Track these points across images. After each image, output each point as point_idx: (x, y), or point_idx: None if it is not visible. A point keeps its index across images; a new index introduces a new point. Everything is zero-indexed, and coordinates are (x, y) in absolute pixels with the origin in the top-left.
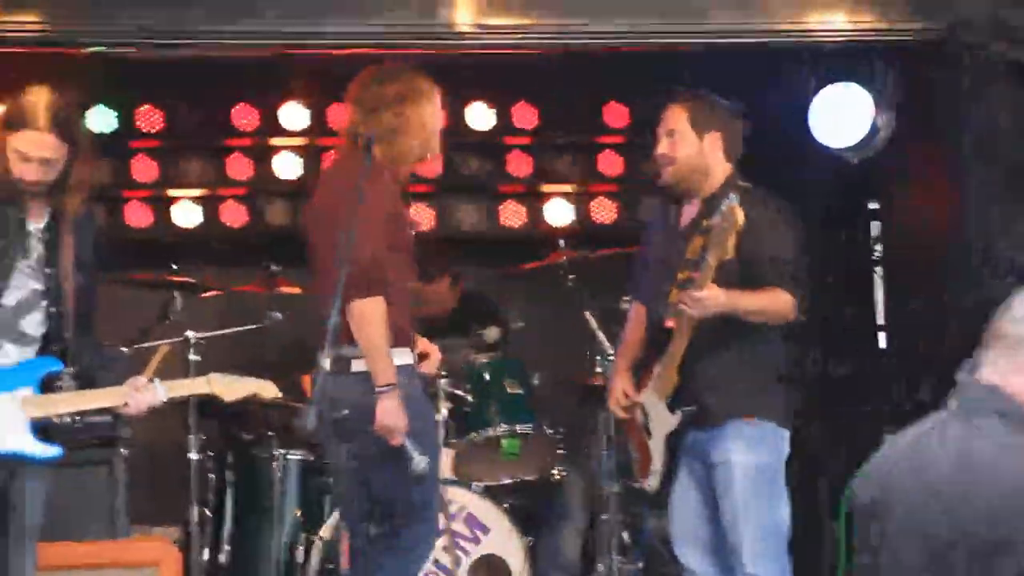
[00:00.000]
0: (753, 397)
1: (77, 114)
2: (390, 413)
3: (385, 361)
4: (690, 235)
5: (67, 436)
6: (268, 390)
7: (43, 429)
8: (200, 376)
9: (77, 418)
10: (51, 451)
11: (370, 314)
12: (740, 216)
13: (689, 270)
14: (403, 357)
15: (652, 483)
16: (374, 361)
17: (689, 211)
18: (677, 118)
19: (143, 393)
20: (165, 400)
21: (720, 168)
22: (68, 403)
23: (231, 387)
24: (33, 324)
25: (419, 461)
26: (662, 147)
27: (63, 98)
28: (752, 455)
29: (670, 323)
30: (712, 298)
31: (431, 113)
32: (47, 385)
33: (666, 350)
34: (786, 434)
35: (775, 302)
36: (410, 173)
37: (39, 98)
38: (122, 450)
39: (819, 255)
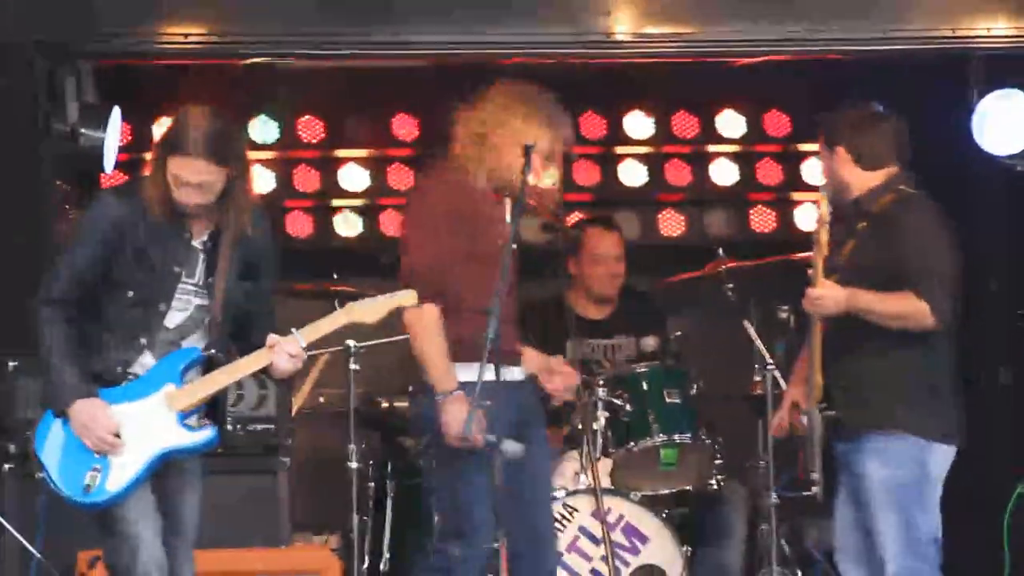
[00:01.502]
0: (892, 409)
1: (235, 136)
2: (450, 418)
3: (439, 369)
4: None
5: (229, 444)
6: (409, 298)
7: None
8: (337, 312)
9: (238, 426)
10: (205, 435)
11: (416, 323)
12: (823, 239)
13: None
14: (466, 373)
15: (817, 490)
16: (427, 371)
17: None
18: (820, 134)
19: (283, 346)
20: (305, 345)
21: (857, 179)
22: (211, 384)
23: (372, 309)
24: (197, 341)
25: (511, 448)
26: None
27: (220, 121)
28: (889, 470)
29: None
30: (828, 296)
31: (518, 130)
32: (194, 374)
33: (810, 352)
34: (937, 447)
35: (906, 306)
36: (513, 184)
37: (196, 122)
38: (284, 459)
39: (985, 263)
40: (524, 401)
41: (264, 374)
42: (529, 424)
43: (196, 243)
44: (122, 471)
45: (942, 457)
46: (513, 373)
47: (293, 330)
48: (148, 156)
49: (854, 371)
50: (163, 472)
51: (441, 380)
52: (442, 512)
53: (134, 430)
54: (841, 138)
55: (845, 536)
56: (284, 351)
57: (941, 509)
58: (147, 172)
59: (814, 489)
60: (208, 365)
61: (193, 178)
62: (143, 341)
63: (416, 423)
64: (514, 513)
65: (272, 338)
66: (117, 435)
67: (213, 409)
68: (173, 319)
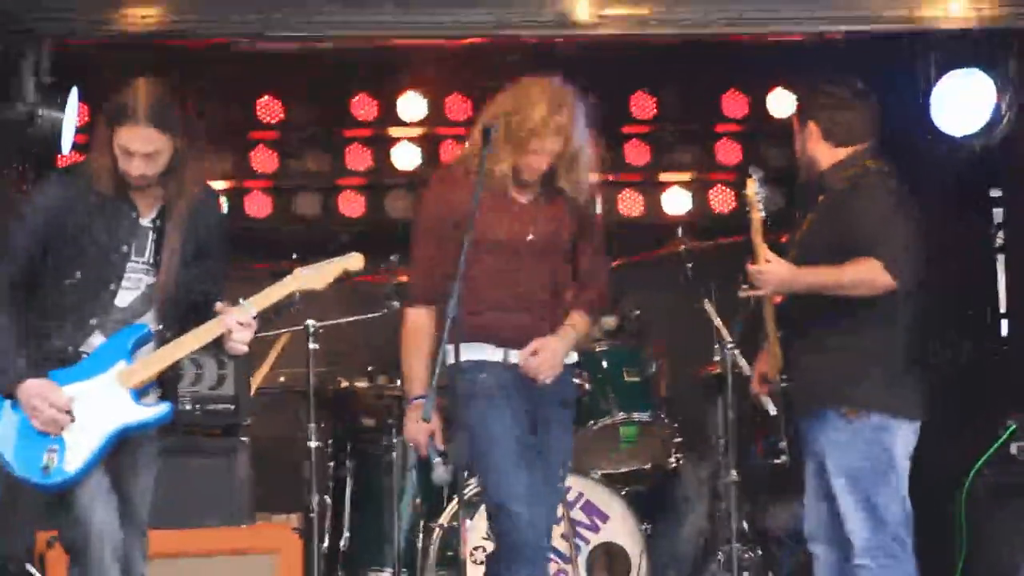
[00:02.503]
0: (850, 387)
1: (182, 107)
2: (409, 423)
3: (407, 375)
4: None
5: (188, 424)
6: (355, 262)
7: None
8: (285, 279)
9: (197, 406)
10: (160, 410)
11: (402, 327)
12: (757, 217)
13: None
14: (472, 352)
15: (784, 459)
16: (402, 373)
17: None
18: (794, 109)
19: (233, 315)
20: (256, 314)
21: (824, 154)
22: (163, 358)
23: (319, 275)
24: (147, 322)
25: (438, 472)
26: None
27: (166, 91)
28: (851, 449)
29: (776, 300)
30: (769, 272)
31: (527, 118)
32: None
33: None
34: (902, 425)
35: (860, 270)
36: (519, 171)
37: (138, 91)
38: (243, 438)
39: (941, 243)
40: (539, 385)
41: (219, 350)
42: (546, 407)
43: (144, 221)
44: (79, 450)
45: (906, 434)
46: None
47: (241, 299)
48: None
49: (815, 347)
50: (118, 452)
51: (407, 385)
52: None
53: (88, 409)
54: (814, 114)
55: (811, 513)
56: (234, 319)
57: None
58: (93, 147)
59: (783, 458)
60: (158, 342)
61: (140, 147)
62: (93, 322)
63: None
64: None
65: (220, 306)
66: (70, 413)
67: (164, 386)
68: (124, 299)
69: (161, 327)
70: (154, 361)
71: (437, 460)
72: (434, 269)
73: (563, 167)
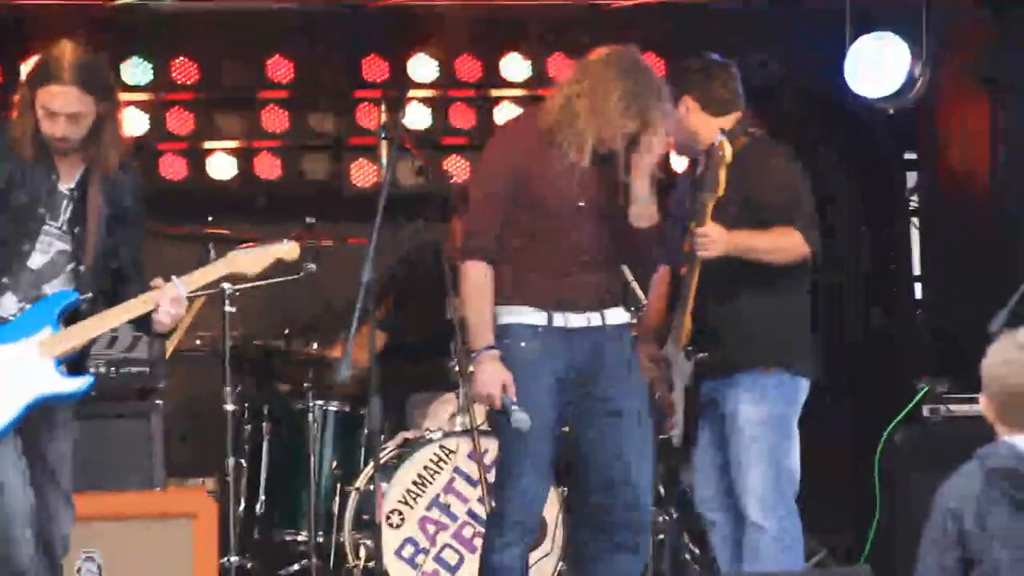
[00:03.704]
0: (765, 346)
1: (103, 66)
2: (480, 376)
3: (474, 328)
4: (693, 187)
5: (103, 387)
6: (291, 251)
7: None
8: (218, 261)
9: (112, 369)
10: (83, 381)
11: (463, 278)
12: (727, 150)
13: (695, 217)
14: (517, 316)
15: (676, 434)
16: (467, 327)
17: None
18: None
19: (165, 292)
20: (187, 294)
21: (706, 125)
22: (90, 329)
23: (254, 260)
24: (58, 287)
25: (517, 416)
26: None
27: (86, 51)
28: (760, 406)
29: (683, 270)
30: (716, 234)
31: (603, 87)
32: (71, 319)
33: (680, 297)
34: (804, 383)
35: (783, 239)
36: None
37: (62, 52)
38: (158, 402)
39: (855, 206)
40: (591, 349)
41: (140, 324)
42: (598, 372)
43: (63, 187)
44: None
45: (802, 393)
46: (569, 320)
47: (173, 277)
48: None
49: (730, 311)
50: (32, 415)
51: (473, 338)
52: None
53: (5, 375)
54: (688, 87)
55: (707, 480)
56: (167, 297)
57: (809, 455)
58: (14, 110)
59: (673, 432)
60: (81, 311)
61: (64, 108)
62: (4, 281)
63: None
64: (587, 465)
65: (157, 281)
66: None
67: (82, 355)
68: (35, 261)
69: (89, 295)
70: (81, 331)
71: (514, 408)
72: (492, 225)
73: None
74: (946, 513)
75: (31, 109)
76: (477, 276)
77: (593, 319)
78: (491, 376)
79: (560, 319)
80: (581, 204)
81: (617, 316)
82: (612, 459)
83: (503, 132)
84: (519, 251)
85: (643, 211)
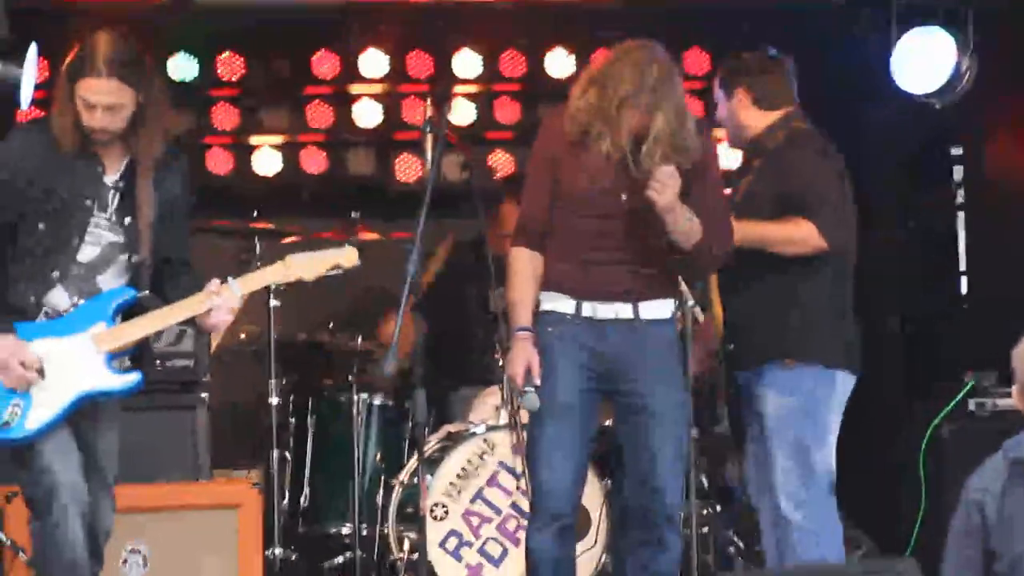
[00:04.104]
0: (789, 339)
1: (142, 57)
2: (512, 355)
3: (511, 309)
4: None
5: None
6: (350, 257)
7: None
8: (276, 264)
9: (158, 362)
10: (132, 378)
11: (508, 264)
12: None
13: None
14: (550, 302)
15: (725, 426)
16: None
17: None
18: (716, 82)
19: (221, 295)
20: (242, 295)
21: (754, 120)
22: (143, 326)
23: (310, 264)
24: (110, 279)
25: (529, 398)
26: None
27: (127, 42)
28: (784, 398)
29: None
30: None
31: (618, 72)
32: (127, 315)
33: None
34: (836, 375)
35: (795, 229)
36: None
37: (99, 44)
38: (203, 395)
39: (902, 201)
40: (621, 341)
41: (187, 322)
42: (628, 365)
43: (108, 179)
44: (43, 409)
45: (842, 386)
46: (598, 310)
47: (230, 279)
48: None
49: (750, 303)
50: (82, 409)
51: (511, 320)
52: None
53: (58, 367)
54: (740, 81)
55: (751, 466)
56: (224, 301)
57: (855, 448)
58: (55, 105)
59: (723, 423)
60: (137, 307)
61: (102, 99)
62: (55, 275)
63: None
64: (620, 459)
65: (213, 283)
66: (40, 371)
67: (138, 352)
68: (86, 253)
69: (146, 292)
70: (135, 328)
71: (529, 389)
72: (536, 214)
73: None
74: (970, 504)
75: (71, 102)
76: (519, 261)
77: (623, 311)
78: (517, 356)
79: (588, 309)
80: (623, 197)
81: (653, 310)
82: (640, 454)
83: (543, 123)
84: (555, 239)
85: (682, 238)
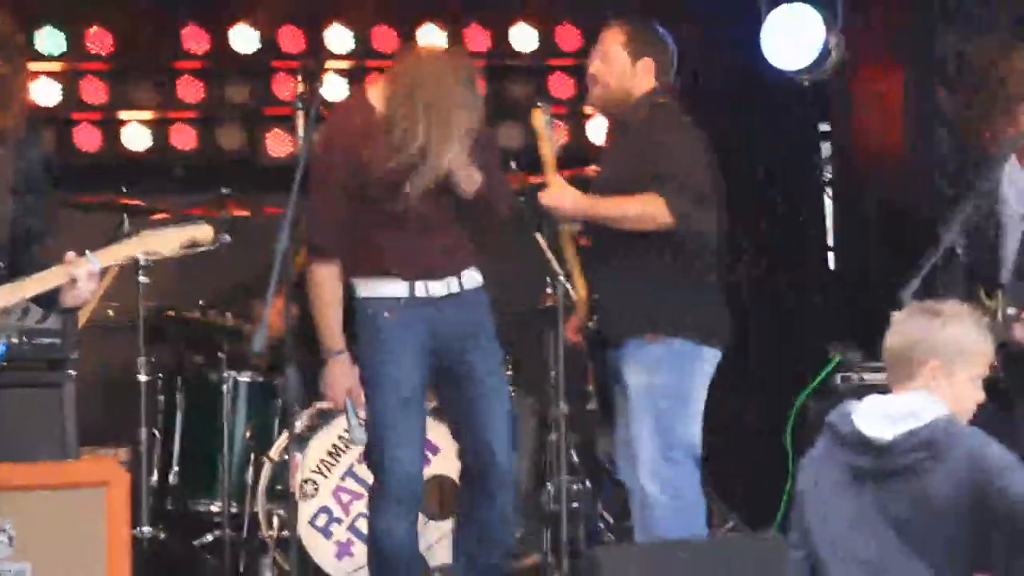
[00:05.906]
0: (651, 314)
1: (9, 31)
2: (330, 379)
3: (323, 330)
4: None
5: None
6: (205, 232)
7: None
8: (131, 239)
9: (24, 339)
10: None
11: (310, 287)
12: (537, 120)
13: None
14: (375, 288)
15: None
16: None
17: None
18: (612, 40)
19: (80, 267)
20: (100, 269)
21: (640, 90)
22: (2, 298)
23: (166, 240)
24: None
25: (356, 434)
26: (593, 67)
27: None
28: (646, 374)
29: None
30: (559, 190)
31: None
32: None
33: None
34: (701, 350)
35: (643, 205)
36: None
37: None
38: (71, 372)
39: (770, 177)
40: (451, 317)
41: (45, 302)
42: (462, 339)
43: None
44: None
45: (704, 361)
46: (431, 288)
47: (87, 252)
48: None
49: (612, 279)
50: None
51: (325, 341)
52: None
53: None
54: (649, 52)
55: (619, 443)
56: (82, 271)
57: (721, 424)
58: None
59: (591, 404)
60: None
61: None
62: None
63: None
64: (463, 431)
65: (69, 255)
66: None
67: None
68: None
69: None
70: None
71: (355, 421)
72: (327, 221)
73: None
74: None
75: None
76: (321, 277)
77: (452, 284)
78: (337, 380)
79: (421, 288)
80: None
81: (472, 279)
82: (472, 421)
83: (337, 118)
84: (369, 226)
85: (464, 182)
